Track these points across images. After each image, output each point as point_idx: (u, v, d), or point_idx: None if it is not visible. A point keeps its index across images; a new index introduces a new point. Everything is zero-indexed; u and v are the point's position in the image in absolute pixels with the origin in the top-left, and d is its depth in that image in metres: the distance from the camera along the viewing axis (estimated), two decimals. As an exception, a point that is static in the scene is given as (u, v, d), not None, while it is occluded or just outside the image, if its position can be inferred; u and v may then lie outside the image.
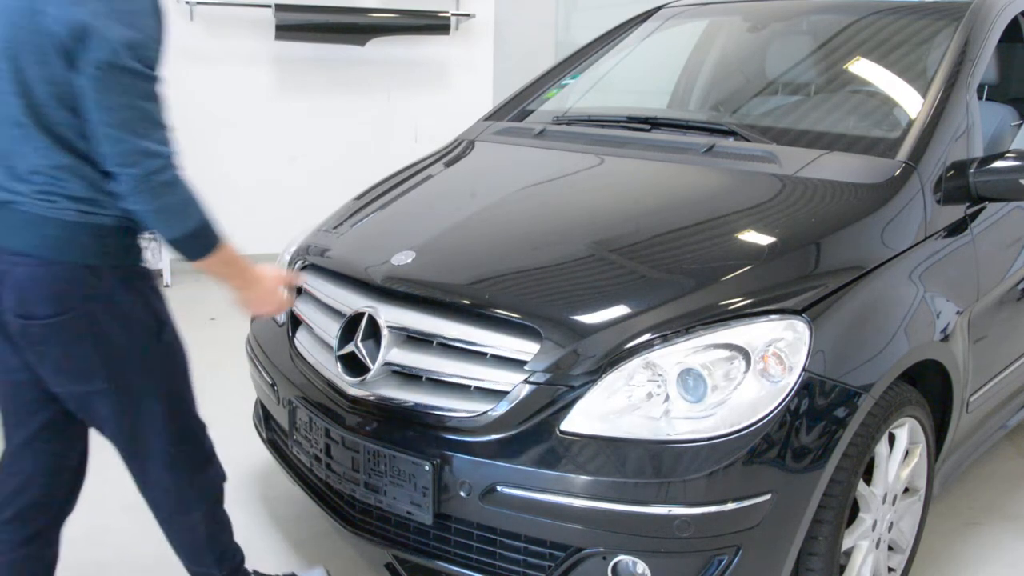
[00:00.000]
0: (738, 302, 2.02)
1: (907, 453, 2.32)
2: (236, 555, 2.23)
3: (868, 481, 2.18)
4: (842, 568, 2.18)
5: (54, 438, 1.97)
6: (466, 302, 2.15)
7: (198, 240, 1.80)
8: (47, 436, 1.96)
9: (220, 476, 2.14)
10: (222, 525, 2.18)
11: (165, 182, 1.72)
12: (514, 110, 3.36)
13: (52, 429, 1.96)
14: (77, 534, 2.73)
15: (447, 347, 2.13)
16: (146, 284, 1.87)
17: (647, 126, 2.92)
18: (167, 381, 1.94)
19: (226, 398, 3.31)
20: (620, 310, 2.02)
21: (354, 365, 2.23)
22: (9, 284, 1.75)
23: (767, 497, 1.88)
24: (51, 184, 1.72)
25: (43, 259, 1.73)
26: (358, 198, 2.91)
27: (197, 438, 2.06)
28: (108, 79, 1.65)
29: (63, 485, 2.03)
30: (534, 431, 1.96)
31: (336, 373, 2.26)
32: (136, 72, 1.68)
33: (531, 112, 3.34)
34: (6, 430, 1.98)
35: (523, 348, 2.03)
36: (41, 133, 1.71)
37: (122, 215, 1.76)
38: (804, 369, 1.93)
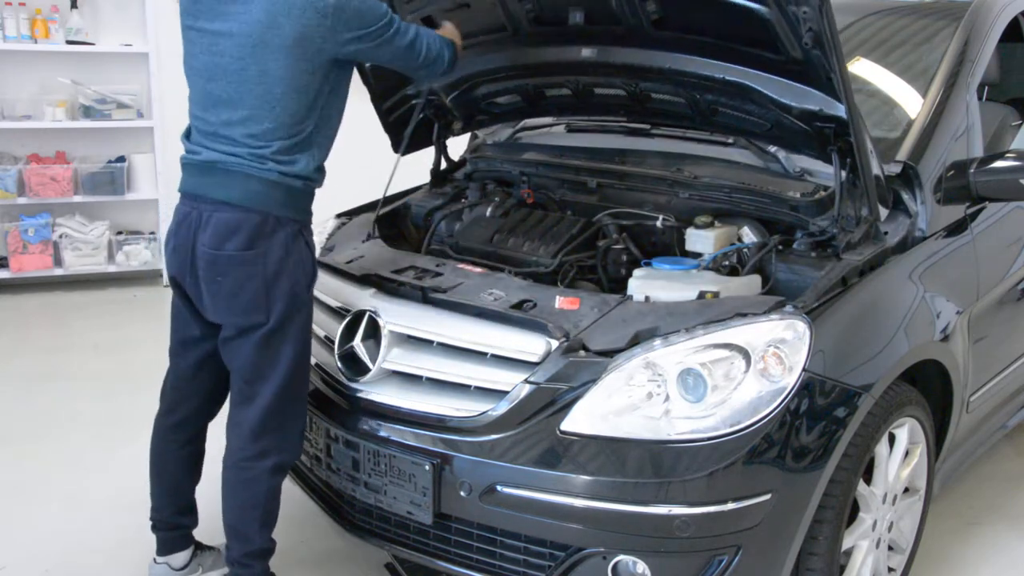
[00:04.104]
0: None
1: (907, 453, 2.32)
2: (272, 540, 2.25)
3: (868, 481, 2.18)
4: (842, 568, 2.18)
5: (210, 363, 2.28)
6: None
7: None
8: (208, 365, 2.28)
9: (297, 449, 2.24)
10: (277, 496, 2.23)
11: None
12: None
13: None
14: (68, 527, 2.73)
15: (447, 347, 2.14)
16: (311, 241, 2.19)
17: (647, 125, 2.91)
18: (302, 331, 2.16)
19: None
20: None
21: (354, 365, 2.23)
22: (209, 225, 2.08)
23: (767, 497, 1.88)
24: (259, 153, 2.08)
25: (242, 207, 2.07)
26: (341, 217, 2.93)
27: (300, 396, 2.21)
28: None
29: (215, 397, 2.36)
30: (534, 431, 1.96)
31: (336, 373, 2.27)
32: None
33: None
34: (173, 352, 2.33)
35: (525, 348, 2.03)
36: (264, 118, 2.06)
37: (308, 181, 2.14)
38: (804, 369, 1.93)
